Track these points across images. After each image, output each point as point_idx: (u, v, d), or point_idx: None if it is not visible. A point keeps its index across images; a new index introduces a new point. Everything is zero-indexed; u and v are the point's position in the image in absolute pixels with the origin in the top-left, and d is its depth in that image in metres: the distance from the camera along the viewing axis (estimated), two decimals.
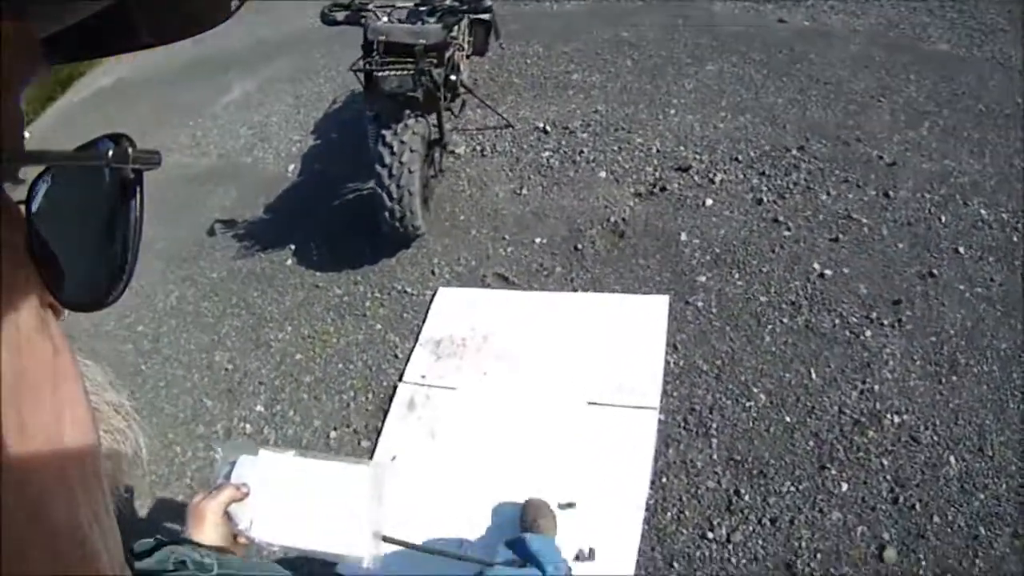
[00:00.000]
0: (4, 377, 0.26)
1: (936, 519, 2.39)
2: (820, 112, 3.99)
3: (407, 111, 3.34)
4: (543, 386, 2.94)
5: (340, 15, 3.36)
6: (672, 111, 4.19)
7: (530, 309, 3.29)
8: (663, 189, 3.68)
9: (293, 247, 4.07)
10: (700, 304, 3.13)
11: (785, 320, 3.02)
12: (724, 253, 3.30)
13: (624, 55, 4.86)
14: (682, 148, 3.88)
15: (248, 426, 3.23)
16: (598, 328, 3.13)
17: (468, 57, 4.30)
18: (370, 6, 3.38)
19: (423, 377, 3.10)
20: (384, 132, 3.32)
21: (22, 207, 0.31)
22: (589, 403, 2.85)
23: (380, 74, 3.23)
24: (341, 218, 4.06)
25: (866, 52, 4.40)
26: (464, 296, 3.44)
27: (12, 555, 0.25)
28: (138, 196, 0.33)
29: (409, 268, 3.75)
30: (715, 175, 3.66)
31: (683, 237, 3.41)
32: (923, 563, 2.32)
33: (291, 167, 4.77)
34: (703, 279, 3.22)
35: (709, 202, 3.53)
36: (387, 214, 3.41)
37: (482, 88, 4.79)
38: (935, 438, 2.59)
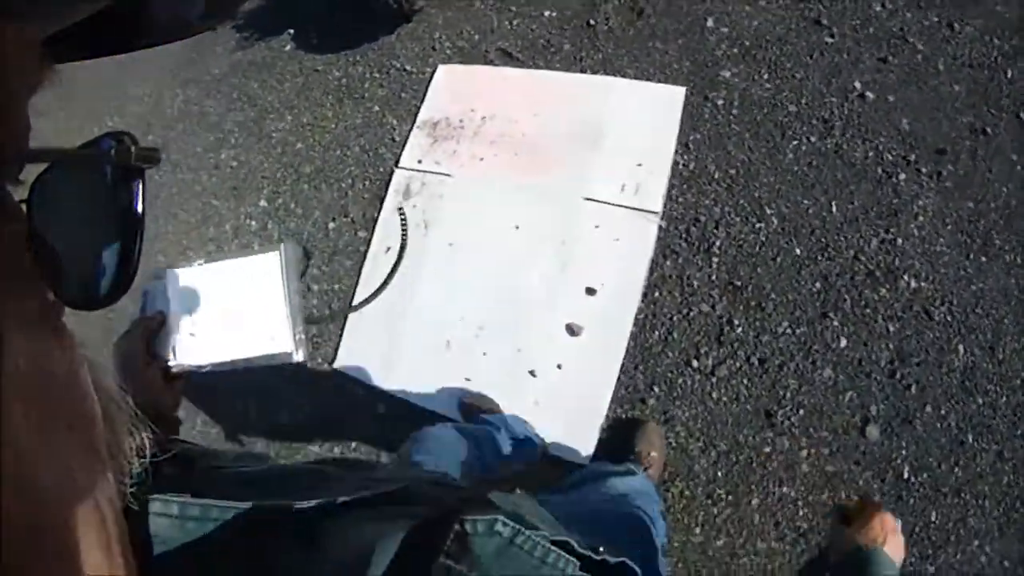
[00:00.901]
0: (7, 370, 0.23)
1: (928, 409, 2.02)
2: None
3: None
4: (539, 176, 2.50)
5: None
6: None
7: (533, 89, 2.72)
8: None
9: (292, 32, 3.37)
10: (720, 102, 2.38)
11: (813, 139, 2.31)
12: (755, 48, 2.51)
13: None
14: None
15: (253, 222, 2.96)
16: (604, 116, 2.54)
17: None
18: None
19: (419, 162, 2.71)
20: None
21: (23, 206, 0.28)
22: (586, 199, 2.39)
23: None
24: None
25: None
26: (464, 74, 2.88)
27: (14, 552, 0.23)
28: (140, 193, 0.30)
29: (409, 44, 3.05)
30: None
31: (710, 23, 2.58)
32: (903, 452, 2.00)
33: None
34: (727, 74, 2.44)
35: None
36: None
37: None
38: (949, 318, 2.12)
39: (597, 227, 2.32)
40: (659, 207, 2.30)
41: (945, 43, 2.61)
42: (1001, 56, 2.59)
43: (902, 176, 2.29)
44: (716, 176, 2.26)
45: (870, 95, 2.42)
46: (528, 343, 2.23)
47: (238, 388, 2.54)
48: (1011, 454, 1.95)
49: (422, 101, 2.87)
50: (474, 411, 2.08)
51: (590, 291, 2.23)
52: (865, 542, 0.86)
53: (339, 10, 3.23)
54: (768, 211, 2.20)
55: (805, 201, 2.22)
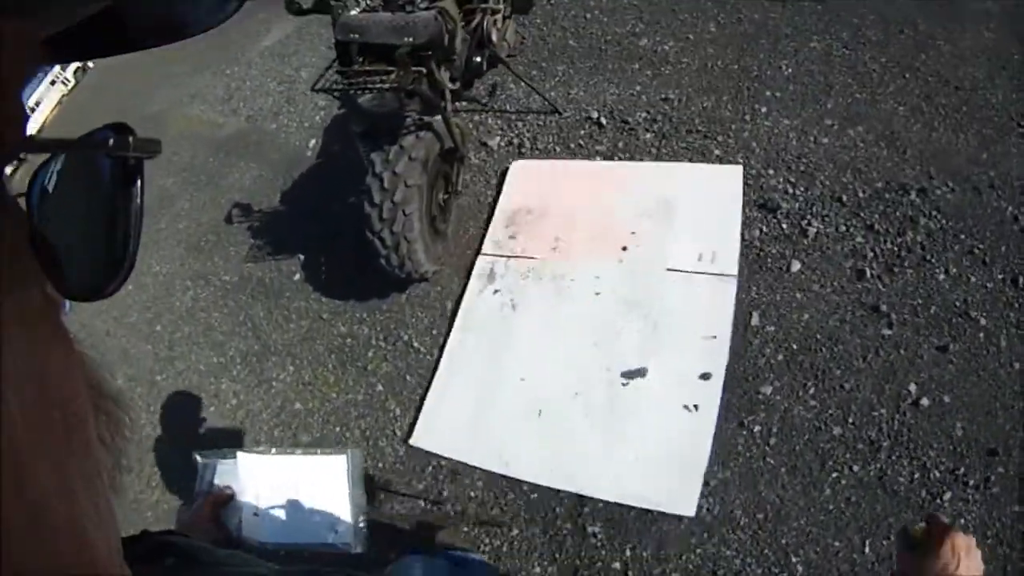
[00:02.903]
0: (5, 368, 0.20)
1: None
2: (950, 135, 2.45)
3: (407, 121, 2.00)
4: (619, 252, 2.31)
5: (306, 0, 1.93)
6: (763, 109, 2.58)
7: (601, 178, 2.53)
8: (740, 237, 2.20)
9: (302, 258, 2.81)
10: (758, 429, 1.92)
11: (856, 467, 1.87)
12: (802, 352, 2.01)
13: (707, 15, 3.04)
14: (771, 172, 2.36)
15: None
16: (672, 194, 2.40)
17: (507, 18, 2.64)
18: None
19: (500, 247, 2.46)
20: (374, 157, 2.00)
21: (22, 200, 0.25)
22: (668, 269, 2.24)
23: (356, 91, 1.87)
24: (354, 222, 2.56)
25: (1002, 45, 2.72)
26: (535, 168, 2.63)
27: (12, 553, 0.20)
28: (138, 185, 0.26)
29: (419, 312, 2.49)
30: (810, 223, 2.20)
31: (755, 320, 2.07)
32: None
33: (312, 143, 3.22)
34: (769, 390, 1.96)
35: (796, 267, 2.13)
36: (383, 261, 2.19)
37: (529, 52, 3.10)
38: None
39: (681, 294, 2.17)
40: (735, 270, 2.16)
41: (1008, 308, 2.08)
42: None
43: (947, 495, 1.83)
44: (742, 522, 1.83)
45: (925, 401, 1.93)
46: (624, 406, 2.02)
47: None
48: None
49: (498, 193, 2.56)
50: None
51: (679, 352, 2.05)
52: (937, 570, 0.69)
53: (352, 242, 2.55)
54: (794, 559, 1.78)
55: (836, 543, 1.79)
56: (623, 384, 2.05)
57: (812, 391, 1.94)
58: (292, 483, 0.92)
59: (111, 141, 0.25)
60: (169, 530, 0.57)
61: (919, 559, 0.72)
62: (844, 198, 2.23)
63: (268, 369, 2.60)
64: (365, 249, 2.31)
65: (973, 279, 2.11)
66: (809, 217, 2.19)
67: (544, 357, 2.17)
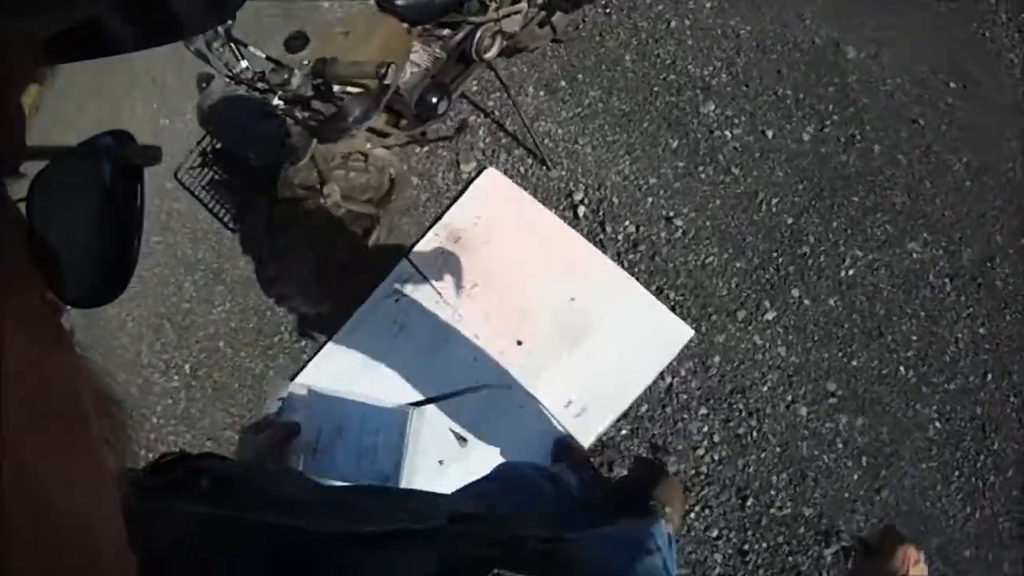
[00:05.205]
0: (7, 369, 0.20)
1: None
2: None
3: None
4: (503, 347, 1.93)
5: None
6: (770, 314, 1.82)
7: (560, 248, 1.99)
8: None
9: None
10: None
11: None
12: None
13: (817, 107, 1.94)
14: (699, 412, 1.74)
15: None
16: (603, 315, 1.93)
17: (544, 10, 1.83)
18: (216, 45, 1.27)
19: (425, 263, 2.06)
20: None
21: (22, 205, 0.24)
22: (529, 395, 1.91)
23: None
24: None
25: None
26: (507, 191, 2.07)
27: (16, 549, 0.20)
28: (138, 192, 0.27)
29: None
30: None
31: None
32: None
33: None
34: None
35: None
36: None
37: (575, 48, 2.05)
38: None
39: (526, 431, 1.87)
40: (589, 441, 1.83)
41: None
42: None
43: None
44: None
45: None
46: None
47: None
48: None
49: (454, 201, 2.07)
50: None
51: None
52: (889, 573, 0.76)
53: None
54: None
55: None
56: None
57: None
58: (355, 426, 0.94)
59: (112, 148, 0.25)
60: (208, 453, 0.56)
61: (874, 563, 0.77)
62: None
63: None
64: None
65: None
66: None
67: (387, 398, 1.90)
